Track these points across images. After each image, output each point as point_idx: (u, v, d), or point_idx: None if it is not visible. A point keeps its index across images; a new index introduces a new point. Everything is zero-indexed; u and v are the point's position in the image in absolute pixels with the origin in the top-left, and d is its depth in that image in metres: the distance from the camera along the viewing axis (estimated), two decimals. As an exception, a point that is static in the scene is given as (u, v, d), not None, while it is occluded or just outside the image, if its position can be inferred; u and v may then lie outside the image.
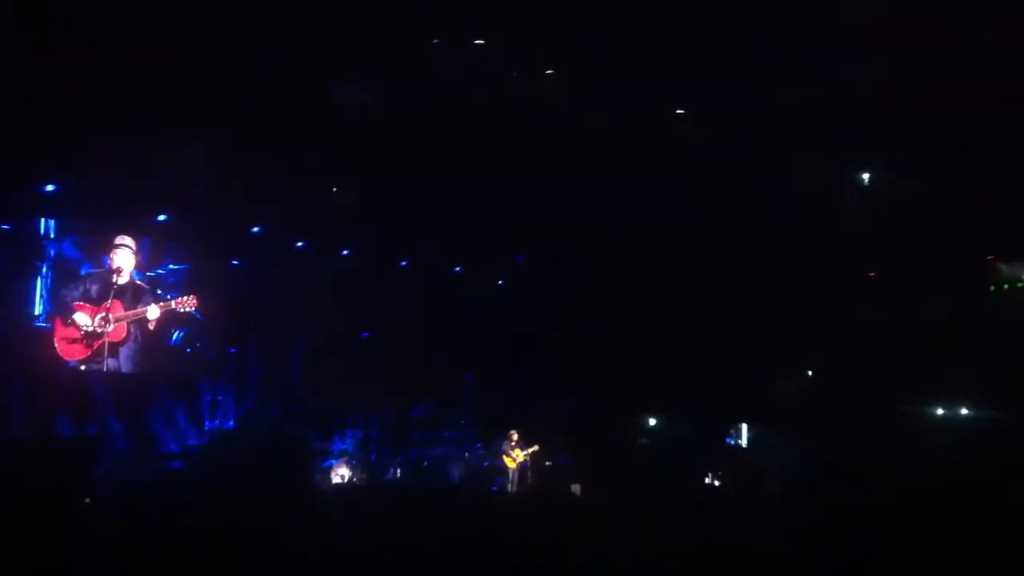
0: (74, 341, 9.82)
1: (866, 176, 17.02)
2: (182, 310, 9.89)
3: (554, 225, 17.19)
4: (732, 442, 19.91)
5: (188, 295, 10.04)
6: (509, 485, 17.03)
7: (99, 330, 9.69)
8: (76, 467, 8.32)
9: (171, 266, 12.63)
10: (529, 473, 17.53)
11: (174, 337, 12.26)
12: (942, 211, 15.76)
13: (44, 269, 11.90)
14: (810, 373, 19.35)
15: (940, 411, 16.59)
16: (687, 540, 7.38)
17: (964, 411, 16.07)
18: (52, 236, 12.07)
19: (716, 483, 15.82)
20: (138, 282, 10.15)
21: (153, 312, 9.71)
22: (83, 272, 10.99)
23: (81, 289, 10.03)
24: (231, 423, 13.22)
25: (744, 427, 19.79)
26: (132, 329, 9.86)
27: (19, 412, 10.64)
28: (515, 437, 17.58)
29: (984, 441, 14.10)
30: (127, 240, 10.11)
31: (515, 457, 17.43)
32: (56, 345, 9.87)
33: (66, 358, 9.85)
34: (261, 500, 7.73)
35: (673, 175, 16.16)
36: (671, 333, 18.80)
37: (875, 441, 13.97)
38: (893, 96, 14.51)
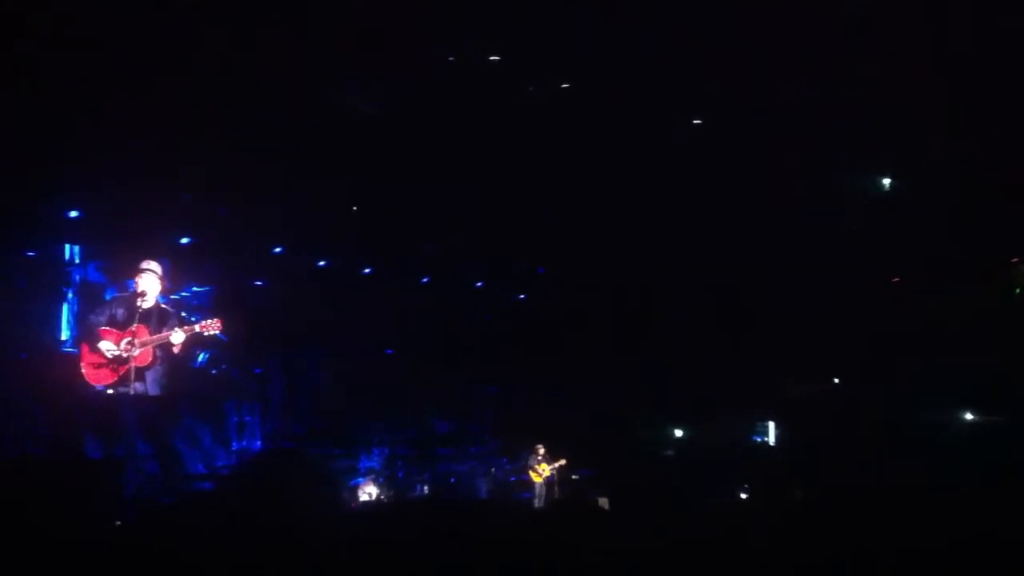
0: (100, 366, 9.85)
1: (888, 179, 17.00)
2: (207, 333, 9.92)
3: (574, 236, 17.22)
4: (760, 439, 19.73)
5: (212, 317, 10.09)
6: (536, 500, 16.99)
7: (125, 355, 9.72)
8: (105, 489, 8.39)
9: (194, 288, 12.69)
10: (556, 487, 17.49)
11: (199, 359, 12.30)
12: (965, 213, 15.70)
13: (70, 294, 11.96)
14: (836, 380, 19.27)
15: (967, 416, 16.45)
16: (711, 552, 7.36)
17: (987, 416, 15.94)
18: (77, 261, 12.15)
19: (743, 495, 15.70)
20: (163, 306, 10.18)
21: (177, 336, 9.73)
22: (108, 296, 11.04)
23: (107, 314, 10.07)
24: (258, 443, 13.28)
25: (771, 425, 19.62)
26: (157, 353, 9.88)
27: (48, 436, 10.75)
28: (541, 451, 17.54)
29: (1008, 446, 13.98)
30: (152, 265, 10.15)
31: (541, 472, 17.40)
32: (83, 370, 9.92)
33: (93, 383, 9.90)
34: (289, 519, 7.77)
35: (691, 179, 16.16)
36: (695, 341, 18.78)
37: (896, 444, 13.91)
38: (914, 96, 14.48)
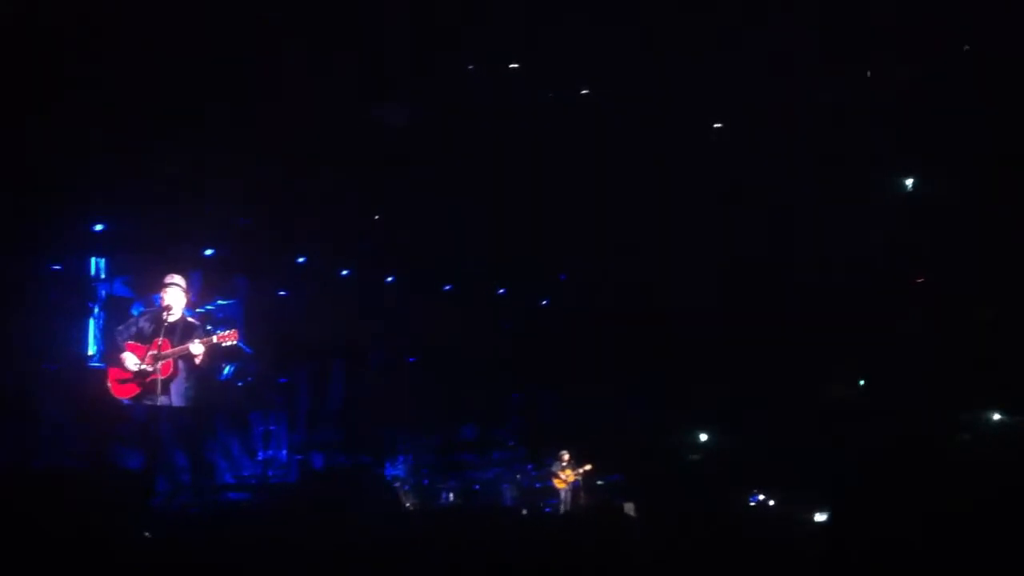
0: (126, 380, 9.94)
1: (912, 179, 16.93)
2: (225, 344, 9.97)
3: (595, 241, 17.22)
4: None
5: (238, 329, 10.16)
6: (561, 506, 16.94)
7: (149, 368, 9.81)
8: (133, 500, 8.45)
9: (219, 301, 12.77)
10: (582, 493, 17.41)
11: (225, 371, 12.38)
12: (991, 212, 15.63)
13: (96, 309, 12.07)
14: (861, 382, 19.15)
15: (996, 416, 16.38)
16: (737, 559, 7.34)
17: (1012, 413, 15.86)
18: (103, 276, 12.24)
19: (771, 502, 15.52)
20: (189, 319, 10.25)
21: (196, 348, 9.79)
22: (134, 311, 11.14)
23: (133, 329, 10.17)
24: (284, 452, 13.36)
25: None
26: (180, 365, 9.96)
27: (76, 449, 10.86)
28: (566, 457, 17.48)
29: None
30: (177, 279, 10.23)
31: (565, 478, 17.34)
32: (109, 384, 10.01)
33: (119, 396, 9.99)
34: (329, 531, 7.82)
35: (717, 183, 16.14)
36: (719, 345, 18.70)
37: (928, 449, 13.79)
38: (941, 96, 14.44)
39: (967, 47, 14.07)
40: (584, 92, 14.66)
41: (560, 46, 14.04)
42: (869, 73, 14.72)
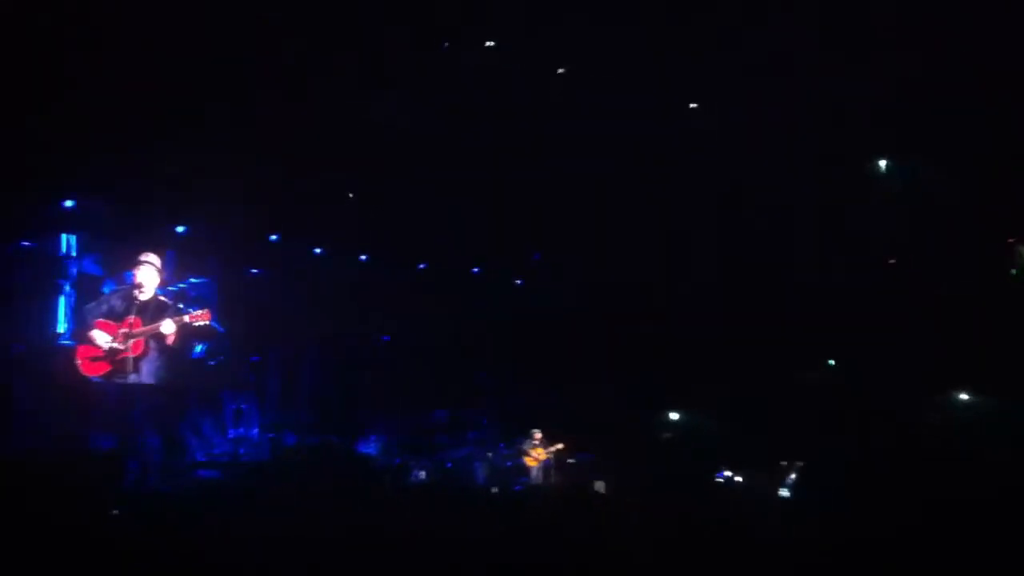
0: (96, 359, 9.95)
1: (884, 162, 16.86)
2: (197, 324, 9.95)
3: (570, 222, 17.16)
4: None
5: (210, 308, 10.14)
6: (532, 484, 16.89)
7: (119, 346, 9.81)
8: (102, 479, 8.44)
9: (193, 280, 12.78)
10: (553, 471, 17.37)
11: (197, 350, 12.38)
12: (961, 194, 15.56)
13: (67, 287, 12.08)
14: (831, 362, 19.02)
15: (964, 397, 16.29)
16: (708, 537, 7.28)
17: (987, 399, 15.74)
18: (74, 254, 12.27)
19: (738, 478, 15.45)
20: (160, 298, 10.25)
21: (167, 327, 9.79)
22: (105, 289, 11.15)
23: (105, 307, 10.18)
24: (255, 431, 13.35)
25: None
26: (151, 344, 9.94)
27: (45, 428, 10.85)
28: (537, 436, 17.46)
29: (1009, 430, 13.79)
30: (151, 257, 10.26)
31: (536, 456, 17.30)
32: (79, 362, 10.00)
33: (89, 375, 9.98)
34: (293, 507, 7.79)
35: (689, 169, 16.09)
36: (691, 327, 18.60)
37: (898, 433, 13.74)
38: (913, 80, 14.39)
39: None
40: (565, 70, 14.63)
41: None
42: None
